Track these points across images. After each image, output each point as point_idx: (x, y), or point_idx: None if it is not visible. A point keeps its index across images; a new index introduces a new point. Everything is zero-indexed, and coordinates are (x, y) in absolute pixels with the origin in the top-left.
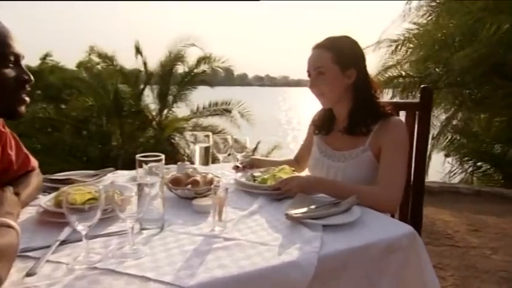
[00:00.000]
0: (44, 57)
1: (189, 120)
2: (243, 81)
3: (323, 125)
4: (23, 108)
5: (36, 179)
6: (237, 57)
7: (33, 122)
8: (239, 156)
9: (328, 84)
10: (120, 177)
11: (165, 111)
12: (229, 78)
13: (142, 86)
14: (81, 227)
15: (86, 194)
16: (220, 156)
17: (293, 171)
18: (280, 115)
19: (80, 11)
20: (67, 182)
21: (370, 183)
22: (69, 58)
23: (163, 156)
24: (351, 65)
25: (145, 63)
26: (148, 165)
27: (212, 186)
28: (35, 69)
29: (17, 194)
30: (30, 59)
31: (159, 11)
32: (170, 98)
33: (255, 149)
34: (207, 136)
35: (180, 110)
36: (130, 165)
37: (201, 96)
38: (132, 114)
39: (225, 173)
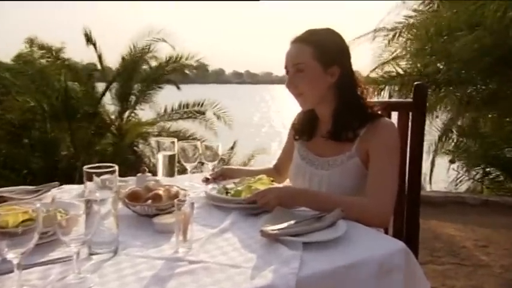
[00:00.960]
0: None
1: (154, 124)
2: (219, 78)
3: (304, 129)
4: None
5: None
6: (212, 50)
7: None
8: (210, 165)
9: (308, 83)
10: (67, 193)
11: (127, 114)
12: (203, 75)
13: (100, 85)
14: (12, 255)
15: (20, 215)
16: (189, 166)
17: (272, 181)
18: (262, 117)
19: None
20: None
21: (359, 193)
22: (3, 51)
23: (116, 167)
24: (334, 61)
25: (100, 56)
26: (100, 177)
27: (176, 201)
28: None
29: None
30: None
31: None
32: (133, 98)
33: (229, 158)
34: (173, 142)
35: (145, 113)
36: (82, 178)
37: (170, 96)
38: (85, 118)
39: (194, 185)
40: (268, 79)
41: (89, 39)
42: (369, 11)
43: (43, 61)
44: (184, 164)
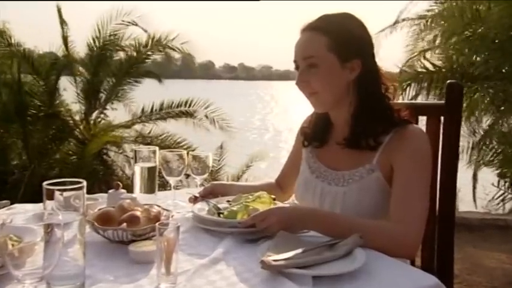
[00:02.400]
0: None
1: (130, 127)
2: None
3: (315, 134)
4: None
5: None
6: (198, 39)
7: None
8: (199, 179)
9: (323, 80)
10: (20, 214)
11: (94, 115)
12: (189, 68)
13: (64, 80)
14: None
15: None
16: (172, 181)
17: (274, 199)
18: (262, 120)
19: None
20: None
21: (380, 216)
22: None
23: (84, 183)
24: (354, 53)
25: (65, 38)
26: (64, 195)
27: (157, 224)
28: None
29: None
30: None
31: None
32: (102, 95)
33: (217, 170)
34: (153, 152)
35: (117, 114)
36: (38, 195)
37: (149, 93)
38: (42, 119)
39: (178, 203)
40: (266, 74)
41: (61, 18)
42: (379, 6)
43: None
44: (167, 177)
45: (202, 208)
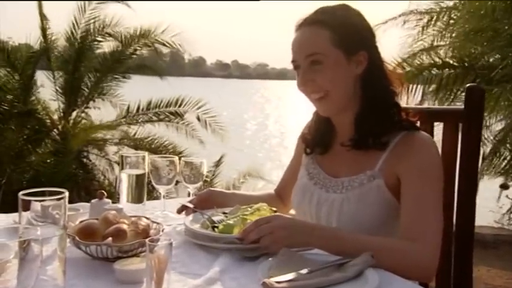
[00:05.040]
0: None
1: (114, 128)
2: (197, 69)
3: (317, 140)
4: None
5: None
6: (188, 33)
7: None
8: (192, 188)
9: (331, 78)
10: None
11: (74, 114)
12: (177, 65)
13: (40, 74)
14: None
15: None
16: (162, 189)
17: (275, 212)
18: (258, 124)
19: None
20: None
21: (380, 228)
22: None
23: (66, 193)
24: (358, 45)
25: (44, 30)
26: (42, 206)
27: (147, 239)
28: None
29: None
30: None
31: None
32: (84, 92)
33: (212, 177)
34: (142, 157)
35: (99, 113)
36: (11, 203)
37: (133, 90)
38: (16, 117)
39: (168, 215)
40: (261, 72)
41: (40, 9)
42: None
43: None
44: (156, 186)
45: (195, 220)
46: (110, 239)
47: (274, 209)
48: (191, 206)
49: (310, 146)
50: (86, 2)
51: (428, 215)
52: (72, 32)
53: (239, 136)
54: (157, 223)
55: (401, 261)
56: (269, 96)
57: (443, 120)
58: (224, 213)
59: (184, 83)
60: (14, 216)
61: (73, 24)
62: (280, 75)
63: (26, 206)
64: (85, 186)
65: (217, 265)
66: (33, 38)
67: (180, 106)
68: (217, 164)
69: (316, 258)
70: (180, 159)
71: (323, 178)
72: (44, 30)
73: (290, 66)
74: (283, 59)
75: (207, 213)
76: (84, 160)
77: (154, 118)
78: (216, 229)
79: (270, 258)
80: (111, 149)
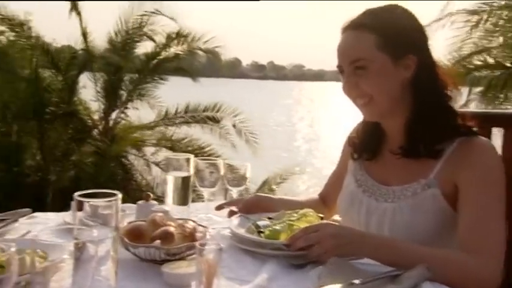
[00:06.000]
0: None
1: (152, 128)
2: (234, 70)
3: (365, 145)
4: None
5: None
6: (224, 34)
7: None
8: (235, 191)
9: (376, 84)
10: (41, 224)
11: (114, 114)
12: (214, 67)
13: (82, 76)
14: None
15: None
16: (206, 192)
17: (321, 219)
18: (297, 126)
19: None
20: None
21: (435, 240)
22: None
23: (119, 195)
24: (406, 48)
25: (84, 34)
26: (95, 207)
27: (196, 243)
28: None
29: None
30: None
31: None
32: (123, 93)
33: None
34: (187, 160)
35: (138, 114)
36: (56, 200)
37: (170, 92)
38: (60, 118)
39: (212, 218)
40: (298, 74)
41: (74, 7)
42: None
43: (2, 38)
44: (200, 188)
45: (240, 225)
46: (158, 241)
47: (321, 215)
48: (234, 208)
49: (358, 151)
50: (129, 3)
51: (489, 224)
52: (115, 34)
53: (272, 138)
54: (204, 226)
55: (458, 274)
56: (304, 98)
57: (504, 126)
58: (269, 218)
59: (220, 84)
60: (63, 215)
61: (117, 26)
62: (317, 76)
63: (80, 207)
64: (124, 185)
65: (265, 272)
66: (75, 39)
67: (217, 112)
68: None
69: (367, 268)
70: (224, 162)
71: (371, 186)
72: (84, 32)
73: (327, 68)
74: (321, 60)
75: (251, 217)
76: (123, 160)
77: (191, 120)
78: (262, 234)
79: (319, 267)
80: (148, 149)
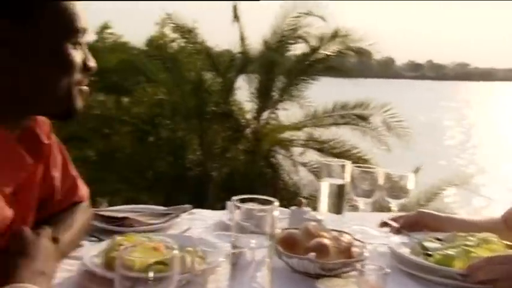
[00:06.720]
0: (101, 30)
1: (299, 129)
2: (386, 70)
3: None
4: (80, 105)
5: (82, 216)
6: (375, 32)
7: (85, 120)
8: (394, 204)
9: None
10: (200, 220)
11: (265, 115)
12: (365, 66)
13: (234, 76)
14: None
15: (151, 252)
16: (361, 202)
17: (509, 247)
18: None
19: None
20: (124, 223)
21: None
22: (134, 30)
23: (276, 203)
24: None
25: (242, 39)
26: (252, 212)
27: (356, 261)
28: (89, 47)
29: (55, 239)
30: None
31: None
32: (275, 94)
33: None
34: (342, 166)
35: (286, 113)
36: (214, 194)
37: (319, 92)
38: (218, 117)
39: (367, 231)
40: (460, 73)
41: (235, 15)
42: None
43: (174, 44)
44: (355, 197)
45: (402, 243)
46: (313, 254)
47: (509, 243)
48: (396, 225)
49: None
50: (282, 3)
51: None
52: (270, 37)
53: (433, 143)
54: (361, 241)
55: None
56: (472, 100)
57: None
58: (437, 239)
59: (371, 84)
60: (220, 214)
61: (271, 34)
62: (485, 75)
63: (236, 210)
64: (272, 184)
65: None
66: (232, 43)
67: (365, 109)
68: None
69: None
70: (382, 171)
71: None
72: (242, 37)
73: (498, 66)
74: (490, 58)
75: (416, 236)
76: (272, 159)
77: (340, 121)
78: (430, 258)
79: None
80: (296, 150)
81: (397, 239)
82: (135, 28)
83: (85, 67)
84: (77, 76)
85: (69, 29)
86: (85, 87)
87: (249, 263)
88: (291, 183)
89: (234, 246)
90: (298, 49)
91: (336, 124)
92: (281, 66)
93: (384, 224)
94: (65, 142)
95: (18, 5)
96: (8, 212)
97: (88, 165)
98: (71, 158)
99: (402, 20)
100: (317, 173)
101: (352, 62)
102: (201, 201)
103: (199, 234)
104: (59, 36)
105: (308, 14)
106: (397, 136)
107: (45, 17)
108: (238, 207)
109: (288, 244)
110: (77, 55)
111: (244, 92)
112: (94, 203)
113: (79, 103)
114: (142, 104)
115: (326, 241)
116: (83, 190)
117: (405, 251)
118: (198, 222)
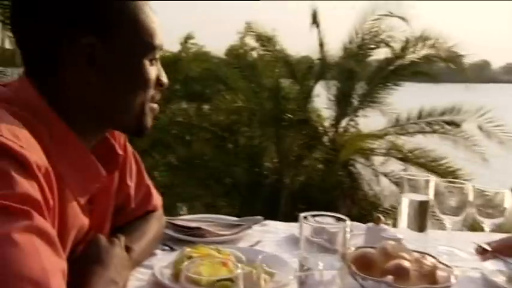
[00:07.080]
0: (185, 41)
1: (380, 137)
2: (480, 74)
3: None
4: (150, 122)
5: (156, 225)
6: (468, 34)
7: (169, 127)
8: (488, 224)
9: None
10: (271, 233)
11: (344, 122)
12: (455, 70)
13: (312, 83)
14: None
15: (218, 268)
16: (448, 220)
17: None
18: None
19: None
20: (196, 233)
21: None
22: (215, 41)
23: (348, 222)
24: None
25: (321, 45)
26: (324, 230)
27: (440, 286)
28: (173, 57)
29: (128, 248)
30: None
31: None
32: (354, 101)
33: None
34: (426, 181)
35: (366, 121)
36: (288, 203)
37: (403, 98)
38: (295, 124)
39: (455, 253)
40: None
41: (314, 20)
42: None
43: (253, 53)
44: (441, 215)
45: (498, 270)
46: (391, 277)
47: None
48: (489, 248)
49: None
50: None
51: None
52: (349, 42)
53: None
54: (447, 266)
55: None
56: None
57: None
58: None
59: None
60: (292, 227)
61: (353, 35)
62: None
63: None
64: (350, 194)
65: None
66: (310, 50)
67: (456, 114)
68: None
69: None
70: (473, 187)
71: None
72: (321, 43)
73: None
74: None
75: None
76: (351, 168)
77: (427, 128)
78: None
79: None
80: (377, 159)
81: (490, 265)
82: (217, 38)
83: (158, 83)
84: (151, 92)
85: (147, 46)
86: (155, 105)
87: (318, 283)
88: (371, 194)
89: (302, 265)
90: (381, 54)
91: (422, 132)
92: (361, 72)
93: (482, 251)
94: (150, 148)
95: (101, 21)
96: (85, 221)
97: (170, 171)
98: (155, 164)
99: (497, 19)
100: (400, 183)
101: (440, 66)
102: (275, 210)
103: (270, 249)
104: (137, 53)
105: (388, 15)
106: (499, 143)
107: (125, 34)
108: (308, 223)
109: (363, 264)
110: (153, 72)
111: (322, 99)
112: (174, 208)
113: (149, 120)
114: (222, 111)
115: (406, 263)
116: (157, 199)
117: (500, 280)
118: (269, 235)
